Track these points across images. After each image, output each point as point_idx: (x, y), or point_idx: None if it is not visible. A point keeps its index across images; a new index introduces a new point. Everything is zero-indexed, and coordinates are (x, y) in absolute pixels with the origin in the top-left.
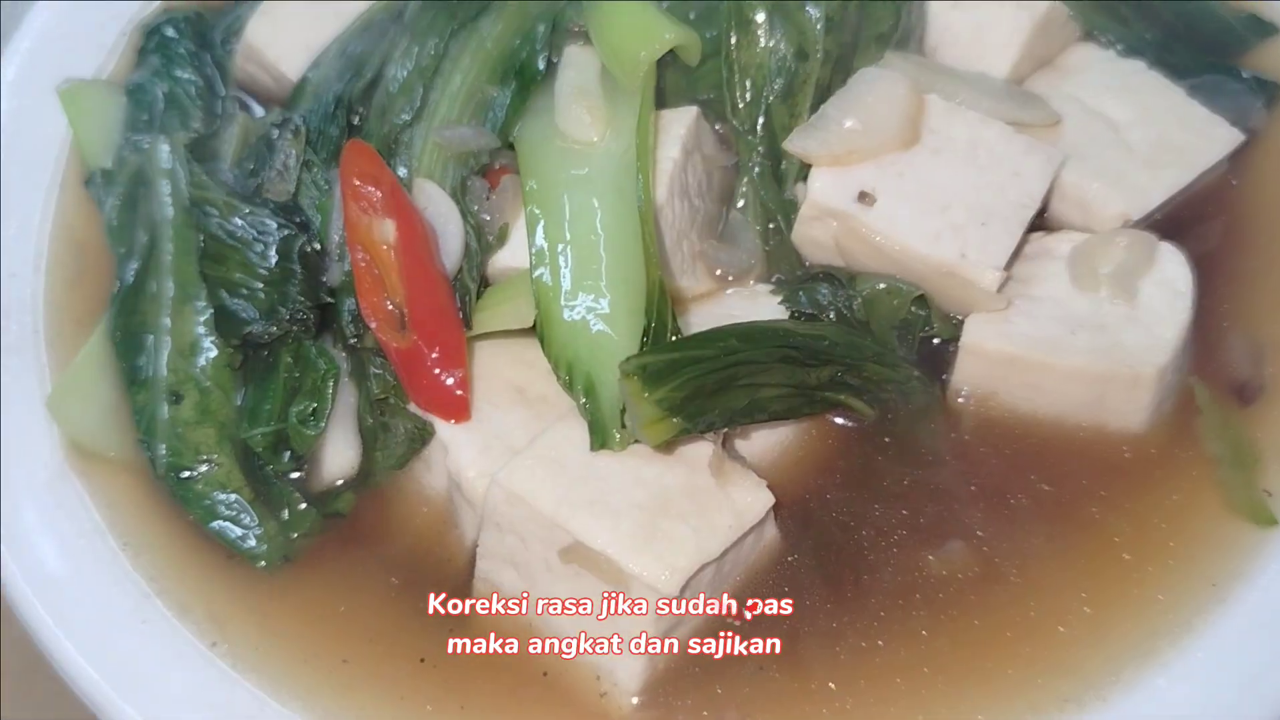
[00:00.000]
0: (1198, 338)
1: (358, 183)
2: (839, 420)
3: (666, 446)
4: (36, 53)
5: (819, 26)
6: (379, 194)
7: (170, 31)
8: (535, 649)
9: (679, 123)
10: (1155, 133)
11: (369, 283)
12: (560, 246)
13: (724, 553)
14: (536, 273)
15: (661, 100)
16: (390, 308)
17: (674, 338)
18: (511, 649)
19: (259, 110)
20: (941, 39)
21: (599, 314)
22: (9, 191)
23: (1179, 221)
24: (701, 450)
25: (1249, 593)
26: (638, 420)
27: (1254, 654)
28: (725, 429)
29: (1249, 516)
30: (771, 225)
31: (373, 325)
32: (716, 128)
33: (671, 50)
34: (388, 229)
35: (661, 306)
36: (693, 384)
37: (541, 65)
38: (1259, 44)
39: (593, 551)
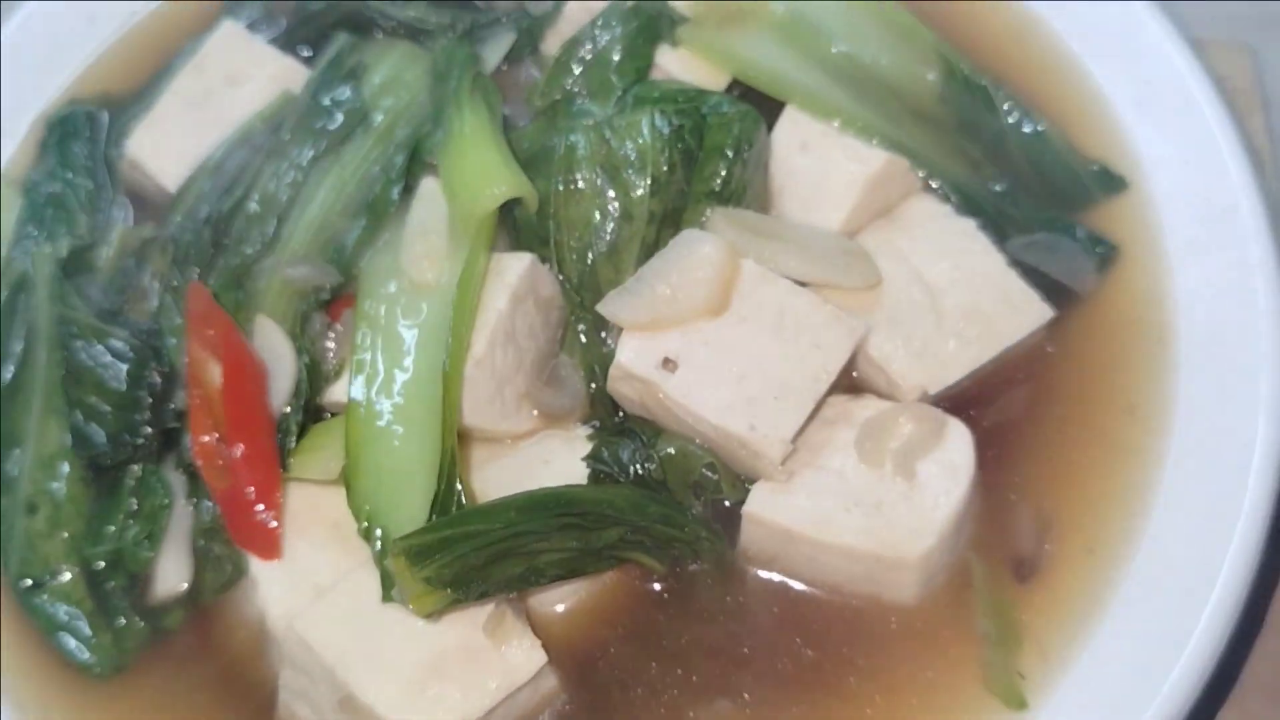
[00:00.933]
0: (986, 508)
1: (200, 324)
2: (629, 576)
3: (431, 615)
4: None
5: (644, 190)
6: (215, 337)
7: (70, 127)
8: None
9: (512, 270)
10: (969, 300)
11: (201, 419)
12: (376, 396)
13: (490, 711)
14: (351, 420)
15: (514, 238)
16: (216, 444)
17: (459, 506)
18: None
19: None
20: (786, 183)
21: (398, 471)
22: None
23: (983, 387)
24: (481, 610)
25: None
26: (405, 594)
27: None
28: (499, 595)
29: (1002, 698)
30: (593, 374)
31: (199, 462)
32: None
33: None
34: (215, 372)
35: (452, 473)
36: (463, 560)
37: (395, 196)
38: (1105, 199)
39: (362, 705)
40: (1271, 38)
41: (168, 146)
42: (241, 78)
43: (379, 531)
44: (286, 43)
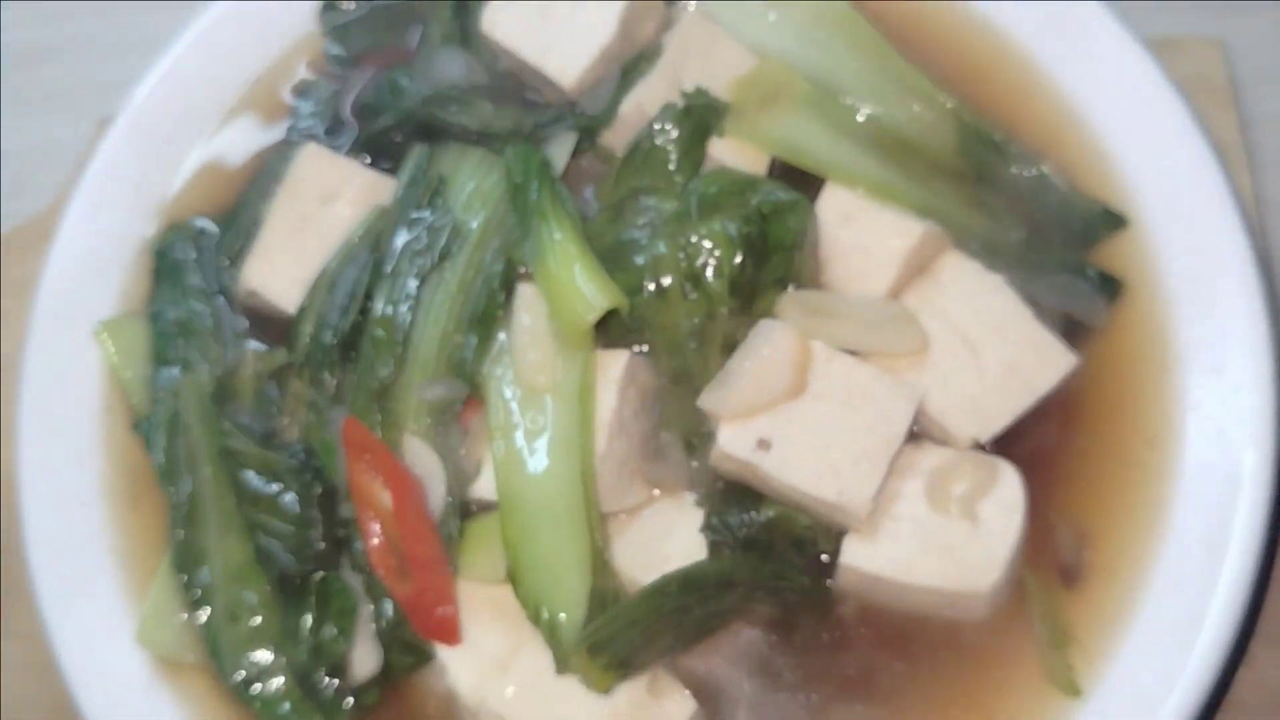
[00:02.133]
0: (1032, 530)
1: (360, 454)
2: (748, 626)
3: (608, 689)
4: (61, 288)
5: (723, 290)
6: (376, 465)
7: (178, 253)
8: None
9: (614, 366)
10: (1006, 356)
11: (374, 537)
12: (523, 504)
13: None
14: (504, 528)
15: (603, 334)
16: (393, 558)
17: (613, 596)
18: None
19: (261, 347)
20: (832, 251)
21: (556, 566)
22: (62, 430)
23: (1021, 424)
24: (642, 675)
25: None
26: (587, 680)
27: None
28: (656, 662)
29: (1060, 688)
30: (691, 447)
31: (380, 574)
32: (647, 352)
33: None
34: (386, 499)
35: (602, 564)
36: (628, 645)
37: (500, 301)
38: (1110, 236)
39: None
40: (1237, 27)
41: (281, 273)
42: (332, 196)
43: (547, 619)
44: (360, 150)
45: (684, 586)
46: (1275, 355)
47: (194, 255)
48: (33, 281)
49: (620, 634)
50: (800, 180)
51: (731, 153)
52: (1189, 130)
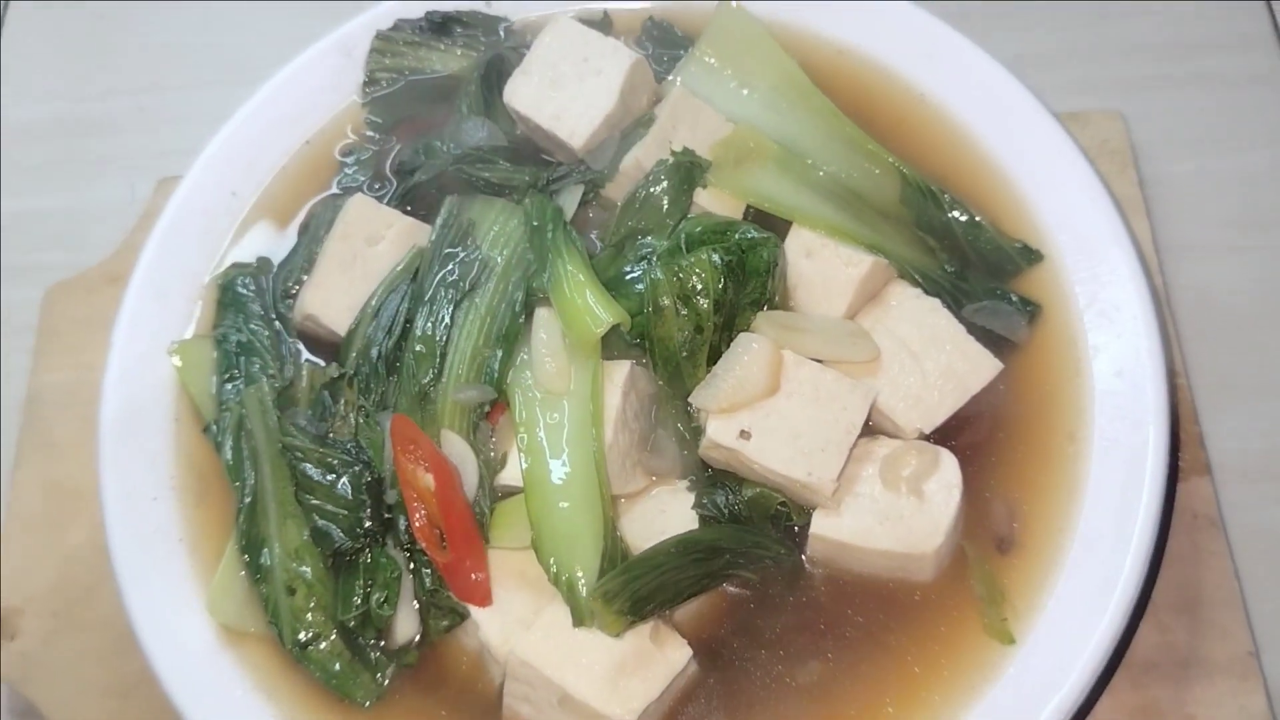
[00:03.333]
0: (970, 508)
1: (406, 445)
2: (733, 587)
3: (620, 633)
4: (138, 314)
5: (710, 308)
6: (420, 453)
7: (240, 287)
8: None
9: (619, 373)
10: (943, 363)
11: (417, 515)
12: (544, 484)
13: (661, 693)
14: (528, 502)
15: (605, 344)
16: (433, 531)
17: (622, 557)
18: None
19: (318, 361)
20: (798, 281)
21: (572, 534)
22: (139, 432)
23: (960, 419)
24: (644, 625)
25: (996, 690)
26: (601, 623)
27: None
28: (659, 613)
29: (997, 638)
30: (685, 442)
31: (422, 544)
32: (643, 363)
33: None
34: (429, 479)
35: (612, 533)
36: (635, 595)
37: (521, 322)
38: (1029, 269)
39: (577, 701)
40: (1134, 102)
41: (333, 301)
42: (377, 238)
43: (565, 578)
44: (400, 203)
45: (681, 548)
46: (1165, 361)
47: (254, 289)
48: (99, 319)
49: (628, 585)
50: (770, 223)
51: (713, 201)
52: (1093, 183)
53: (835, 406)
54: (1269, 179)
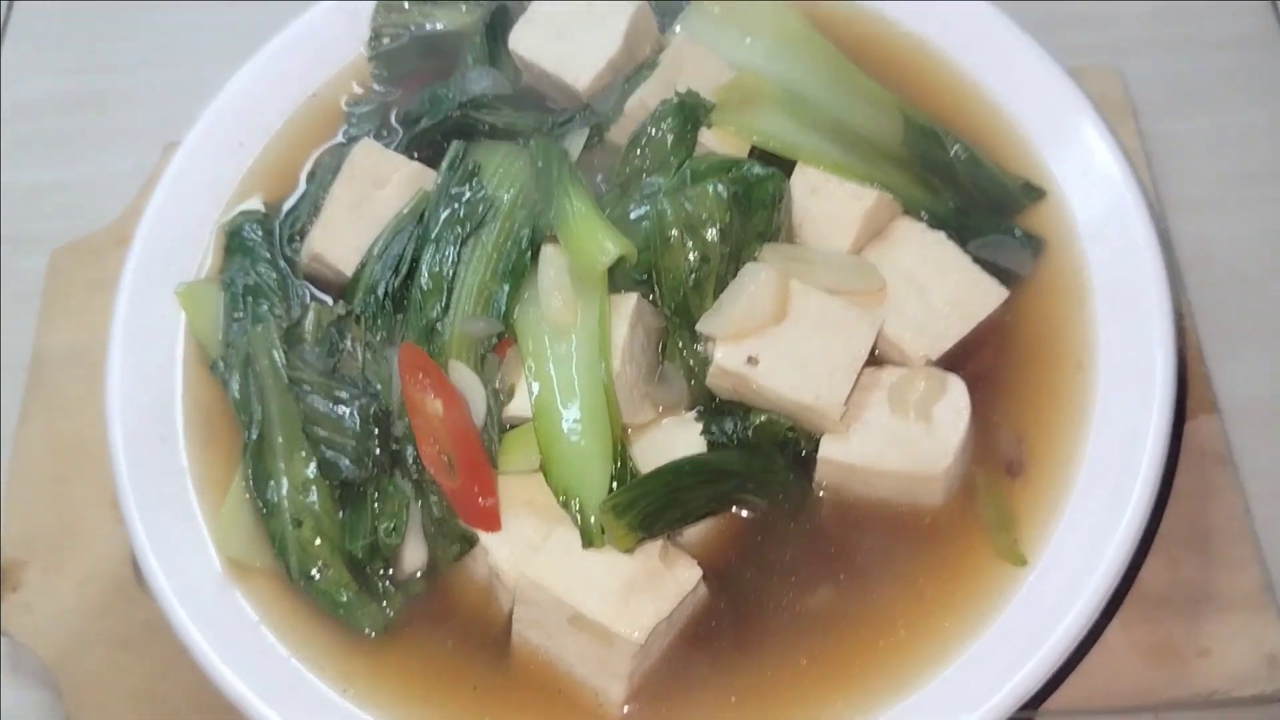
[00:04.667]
0: (979, 434)
1: (414, 373)
2: (743, 511)
3: (631, 549)
4: (145, 260)
5: (717, 239)
6: (429, 380)
7: (247, 233)
8: (552, 676)
9: (625, 305)
10: (949, 292)
11: (426, 440)
12: (552, 410)
13: (672, 612)
14: (537, 428)
15: (612, 280)
16: (441, 457)
17: (631, 477)
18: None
19: (325, 298)
20: (803, 218)
21: (582, 458)
22: (146, 375)
23: (967, 348)
24: (654, 544)
25: (1008, 612)
26: (612, 537)
27: (1011, 648)
28: (669, 531)
29: (1008, 560)
30: (692, 373)
31: (431, 471)
32: (650, 298)
33: None
34: (437, 405)
35: (622, 454)
36: (645, 511)
37: (527, 261)
38: (1032, 205)
39: (588, 619)
40: (1133, 57)
41: (340, 242)
42: (383, 181)
43: (575, 503)
44: (406, 150)
45: (691, 468)
46: (1170, 286)
47: (260, 234)
48: (105, 282)
49: (639, 499)
50: (774, 164)
51: (717, 142)
52: (1094, 120)
53: (842, 333)
54: (1267, 136)
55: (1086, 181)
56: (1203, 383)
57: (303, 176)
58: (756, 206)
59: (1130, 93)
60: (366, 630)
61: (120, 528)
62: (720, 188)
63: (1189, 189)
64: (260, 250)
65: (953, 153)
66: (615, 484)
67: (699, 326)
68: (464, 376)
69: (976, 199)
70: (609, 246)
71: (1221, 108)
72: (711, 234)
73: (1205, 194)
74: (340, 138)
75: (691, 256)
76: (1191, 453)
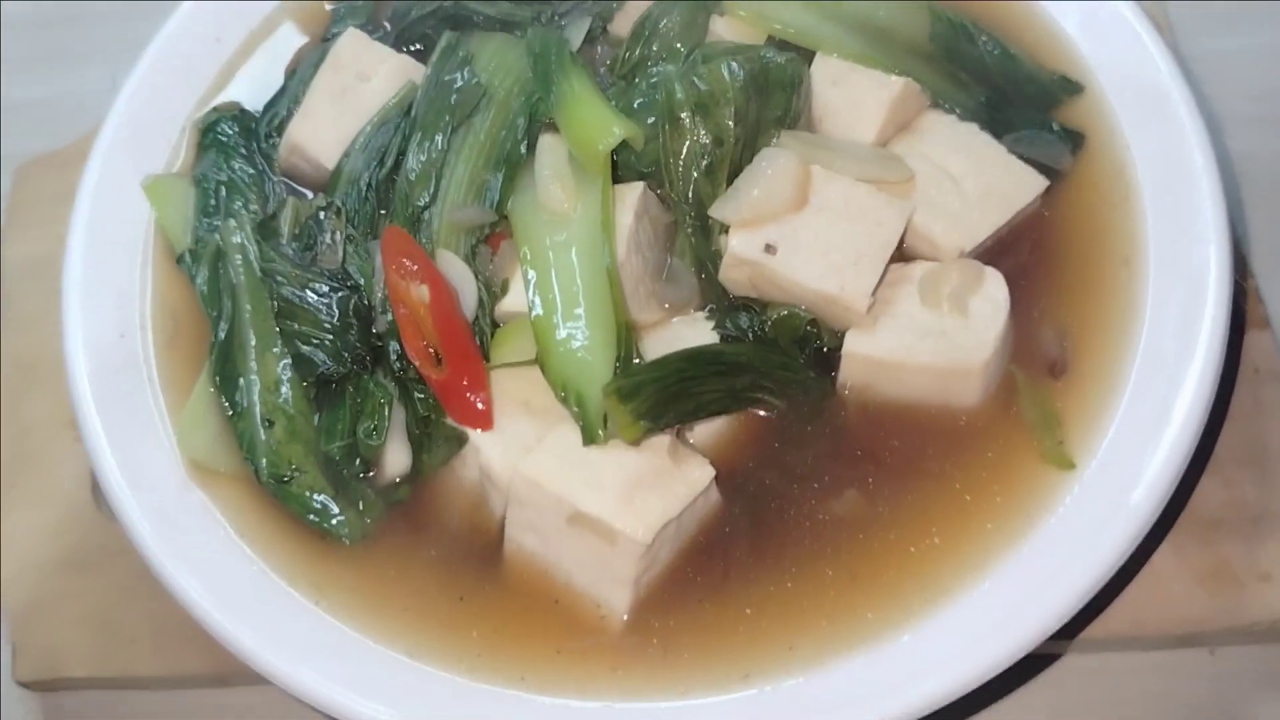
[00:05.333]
0: (1018, 332)
1: (398, 258)
2: (760, 411)
3: (637, 441)
4: (113, 153)
5: (731, 120)
6: (414, 266)
7: (223, 128)
8: (549, 586)
9: (630, 194)
10: (984, 182)
11: (410, 331)
12: (551, 298)
13: (681, 512)
14: (534, 317)
15: (616, 174)
16: (428, 349)
17: (637, 363)
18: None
19: (305, 193)
20: (824, 111)
21: (583, 347)
22: (107, 269)
23: (1003, 245)
24: (662, 440)
25: (1053, 520)
26: (616, 425)
27: (1058, 556)
28: (678, 425)
29: (1054, 463)
30: (703, 269)
31: (416, 363)
32: (658, 192)
33: None
34: (423, 291)
35: (628, 340)
36: (653, 398)
37: (523, 151)
38: (1069, 99)
39: (589, 516)
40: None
41: (322, 134)
42: (369, 73)
43: (575, 394)
44: (395, 44)
45: (705, 356)
46: (1218, 175)
47: (237, 130)
48: (71, 195)
49: (647, 384)
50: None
51: (731, 31)
52: (1135, 10)
53: (869, 221)
54: None
55: (1127, 75)
56: (1254, 299)
57: (282, 72)
58: (774, 89)
59: (1167, 9)
60: (345, 537)
61: (77, 448)
62: (735, 66)
63: (1229, 107)
64: (235, 146)
65: (983, 46)
66: (620, 370)
67: (712, 211)
68: (453, 265)
69: (1009, 94)
70: (613, 128)
71: (1262, 24)
72: (726, 115)
73: (1246, 112)
74: (326, 34)
75: (704, 139)
76: (1245, 370)
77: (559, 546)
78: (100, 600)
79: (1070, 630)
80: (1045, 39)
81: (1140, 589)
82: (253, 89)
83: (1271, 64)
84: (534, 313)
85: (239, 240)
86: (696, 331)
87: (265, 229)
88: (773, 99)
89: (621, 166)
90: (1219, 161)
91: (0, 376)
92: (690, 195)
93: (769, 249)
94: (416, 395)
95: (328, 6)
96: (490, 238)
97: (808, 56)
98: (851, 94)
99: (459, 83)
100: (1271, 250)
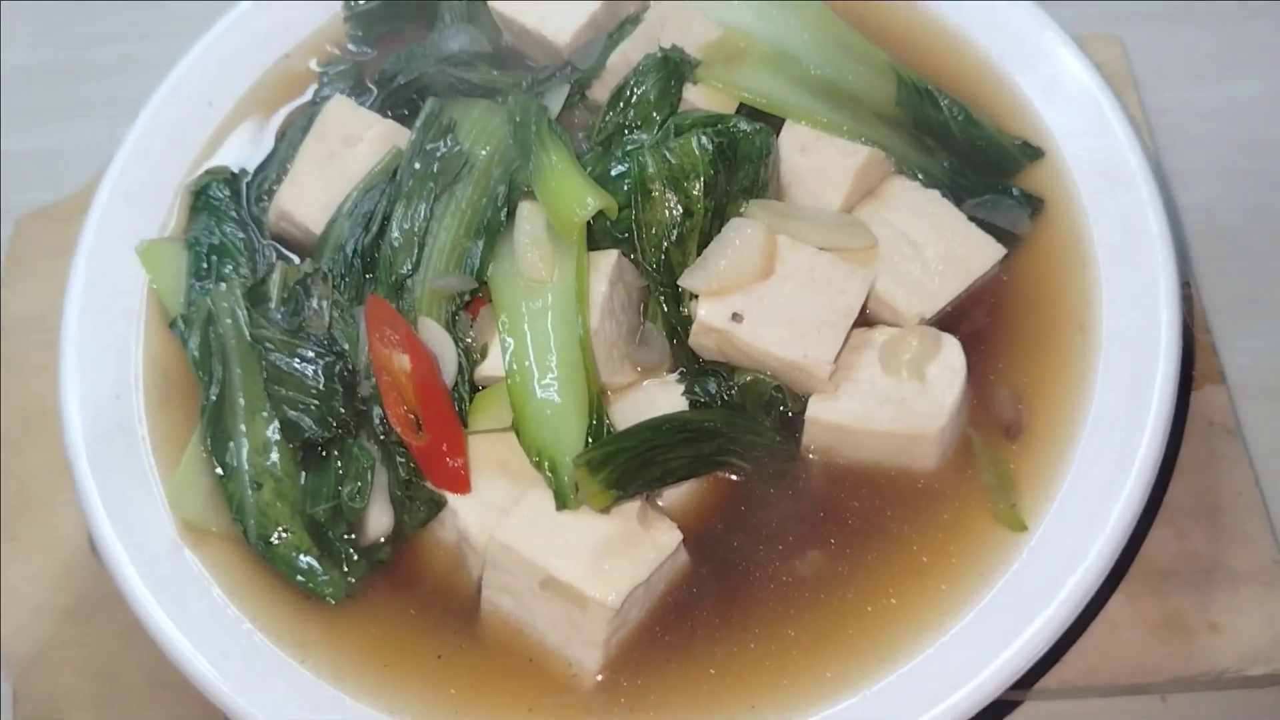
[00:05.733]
0: (975, 395)
1: (381, 328)
2: (727, 474)
3: (606, 508)
4: (108, 215)
5: (700, 193)
6: (396, 335)
7: (214, 192)
8: (523, 645)
9: (605, 261)
10: (944, 249)
11: (392, 398)
12: (526, 365)
13: (650, 576)
14: (510, 384)
15: (592, 239)
16: (409, 415)
17: (608, 433)
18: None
19: (293, 257)
20: (792, 177)
21: (556, 415)
22: (103, 331)
23: (962, 309)
24: (632, 506)
25: (1006, 578)
26: (586, 495)
27: (1010, 615)
28: (646, 491)
29: (1007, 525)
30: (674, 334)
31: (398, 429)
32: (632, 257)
33: None
34: (404, 361)
35: (599, 409)
36: (622, 467)
37: (503, 218)
38: (1030, 164)
39: (561, 582)
40: (1133, 28)
41: (309, 199)
42: (356, 139)
43: (549, 460)
44: (381, 109)
45: (673, 425)
46: (1173, 249)
47: (228, 194)
48: (70, 248)
49: (616, 455)
50: (762, 121)
51: (704, 99)
52: (1095, 78)
53: (832, 290)
54: (1269, 106)
55: (1087, 141)
56: (1209, 352)
57: (272, 138)
58: (743, 161)
59: (1130, 59)
60: (329, 597)
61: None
62: (705, 140)
63: (1191, 160)
64: (226, 210)
65: (947, 111)
66: (591, 441)
67: (682, 280)
68: (434, 333)
69: (972, 159)
70: (588, 200)
71: (1222, 78)
72: (695, 188)
73: (1208, 165)
74: (313, 97)
75: (674, 210)
76: (1198, 423)
77: (533, 608)
78: (99, 649)
79: (1026, 680)
80: (1008, 105)
81: (1095, 637)
82: (243, 152)
83: (1232, 116)
84: (510, 380)
85: (229, 305)
86: (668, 394)
87: (255, 294)
88: (741, 170)
89: (597, 232)
90: (1177, 214)
91: (0, 427)
92: (661, 264)
93: (736, 317)
94: (398, 458)
95: (315, 68)
96: (470, 303)
97: (777, 123)
98: (819, 161)
99: (442, 150)
100: (1228, 304)
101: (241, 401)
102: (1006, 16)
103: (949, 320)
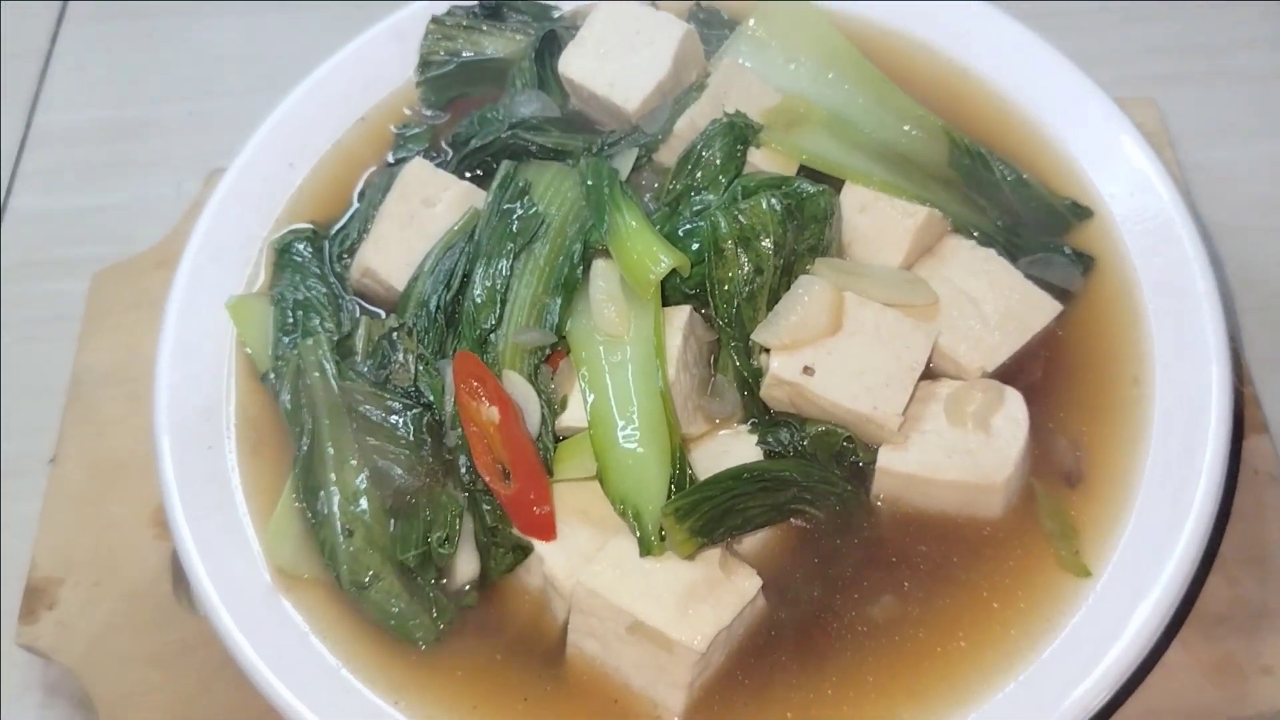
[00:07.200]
0: (1035, 445)
1: (469, 380)
2: (800, 522)
3: (691, 555)
4: (196, 271)
5: (770, 251)
6: (484, 389)
7: (297, 248)
8: (608, 688)
9: (678, 317)
10: (1003, 305)
11: (480, 448)
12: (609, 418)
13: (732, 621)
14: (593, 436)
15: (664, 295)
16: (496, 465)
17: (690, 482)
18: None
19: (377, 312)
20: (853, 236)
21: (639, 464)
22: (194, 385)
23: (1020, 363)
24: (713, 553)
25: (1074, 623)
26: (673, 542)
27: (1078, 659)
28: (727, 538)
29: (1071, 571)
30: (745, 385)
31: (486, 479)
32: (702, 312)
33: None
34: (493, 413)
35: (681, 459)
36: (706, 515)
37: (579, 275)
38: (1079, 224)
39: (647, 626)
40: (1166, 91)
41: (392, 258)
42: (434, 200)
43: (633, 508)
44: (456, 170)
45: (751, 475)
46: (1222, 304)
47: (310, 251)
48: (145, 302)
49: (701, 504)
50: (823, 182)
51: (766, 161)
52: (1138, 140)
53: (898, 344)
54: None
55: (1134, 201)
56: (1252, 403)
57: (353, 196)
58: (809, 220)
59: (1165, 120)
60: (418, 641)
61: (158, 544)
62: (774, 201)
63: (1228, 216)
64: (310, 266)
65: (999, 173)
66: (674, 489)
67: (754, 336)
68: (518, 386)
69: (1024, 218)
70: (662, 259)
71: (1257, 136)
72: (765, 246)
73: (1245, 220)
74: (391, 158)
75: (746, 268)
76: (1245, 471)
77: (619, 651)
78: (182, 694)
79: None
80: (1055, 166)
81: (1153, 681)
82: (324, 211)
83: (1266, 174)
84: (593, 431)
85: (317, 359)
86: (741, 444)
87: (342, 347)
88: (808, 229)
89: (667, 289)
90: (1217, 269)
91: (78, 479)
92: (734, 319)
93: (807, 370)
94: (484, 506)
95: (392, 130)
96: (550, 357)
97: (836, 184)
98: (878, 221)
99: (519, 211)
100: (1269, 357)
101: (331, 451)
102: (1052, 82)
103: (1009, 373)
